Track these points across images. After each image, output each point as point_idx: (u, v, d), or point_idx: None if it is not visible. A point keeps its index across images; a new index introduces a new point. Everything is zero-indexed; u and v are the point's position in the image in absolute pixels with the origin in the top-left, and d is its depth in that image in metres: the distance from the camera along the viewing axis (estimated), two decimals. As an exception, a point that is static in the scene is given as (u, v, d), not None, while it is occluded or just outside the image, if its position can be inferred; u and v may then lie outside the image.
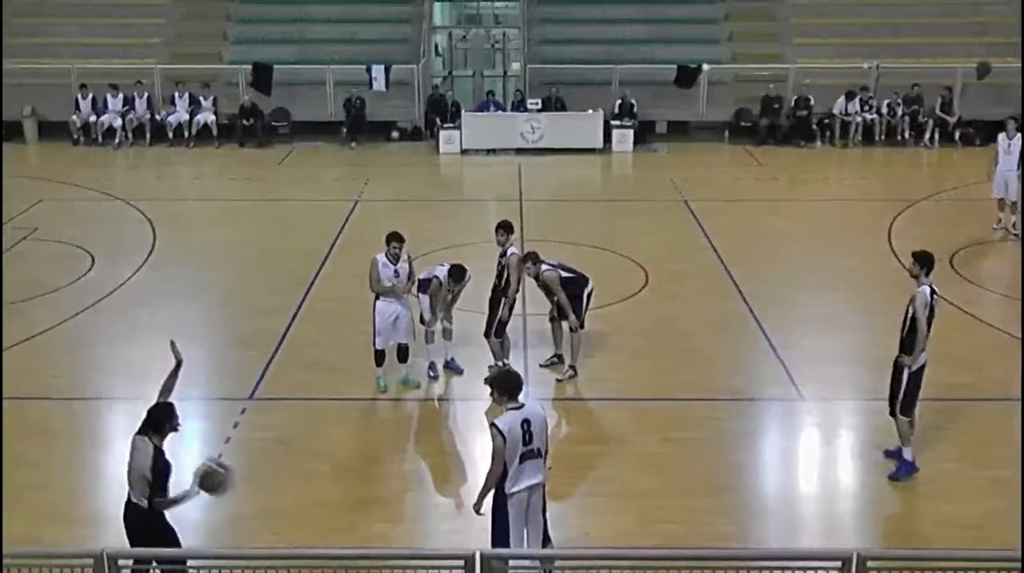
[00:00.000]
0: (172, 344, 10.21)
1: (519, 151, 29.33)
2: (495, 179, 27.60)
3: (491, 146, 29.73)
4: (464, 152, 29.63)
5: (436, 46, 34.04)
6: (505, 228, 14.68)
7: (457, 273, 14.56)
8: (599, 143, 29.62)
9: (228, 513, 11.21)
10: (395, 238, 14.30)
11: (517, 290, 14.68)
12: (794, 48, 32.95)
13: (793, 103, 30.90)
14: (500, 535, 9.57)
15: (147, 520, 9.02)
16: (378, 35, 33.26)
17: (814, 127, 30.71)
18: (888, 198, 24.72)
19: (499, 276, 14.78)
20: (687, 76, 31.27)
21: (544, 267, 14.46)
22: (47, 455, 12.38)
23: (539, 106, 30.16)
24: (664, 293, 18.38)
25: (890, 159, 29.58)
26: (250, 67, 31.58)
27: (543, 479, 9.72)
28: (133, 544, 8.93)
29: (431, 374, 14.78)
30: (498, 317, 14.69)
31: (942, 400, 13.67)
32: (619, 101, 30.46)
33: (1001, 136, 22.02)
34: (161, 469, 9.00)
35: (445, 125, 30.06)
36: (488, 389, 9.82)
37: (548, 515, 9.98)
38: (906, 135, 30.67)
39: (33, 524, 10.98)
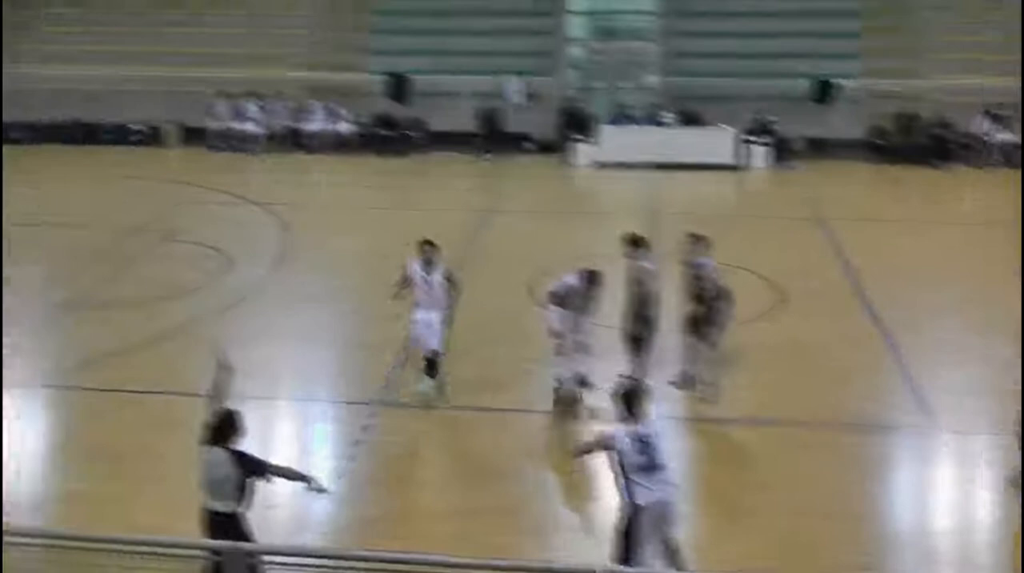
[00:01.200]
0: (219, 352, 10.19)
1: (653, 165, 29.20)
2: (629, 192, 27.55)
3: (625, 159, 29.61)
4: (598, 165, 29.61)
5: (572, 59, 34.07)
6: (632, 242, 14.77)
7: (593, 276, 14.45)
8: (734, 159, 29.36)
9: (354, 515, 11.34)
10: (427, 242, 14.43)
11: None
12: (932, 64, 32.25)
13: (930, 121, 30.27)
14: (629, 550, 9.49)
15: (236, 526, 9.15)
16: (515, 48, 33.44)
17: (951, 147, 30.04)
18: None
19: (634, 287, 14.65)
20: (823, 92, 30.88)
21: (703, 261, 14.58)
22: (172, 448, 12.59)
23: (674, 120, 30.01)
24: (796, 312, 18.09)
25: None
26: (388, 78, 31.99)
27: (669, 495, 9.63)
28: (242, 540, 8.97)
29: (558, 385, 14.66)
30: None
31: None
32: (755, 117, 30.19)
33: None
34: (249, 468, 9.16)
35: (579, 138, 30.10)
36: (615, 399, 9.79)
37: (676, 534, 9.90)
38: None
39: (157, 515, 11.19)
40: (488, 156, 30.64)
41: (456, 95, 31.87)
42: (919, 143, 30.26)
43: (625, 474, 9.42)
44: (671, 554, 9.78)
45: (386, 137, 31.27)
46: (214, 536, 8.97)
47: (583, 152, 29.85)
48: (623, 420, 9.68)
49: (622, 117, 31.19)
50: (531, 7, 34.83)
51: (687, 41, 33.42)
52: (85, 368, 15.47)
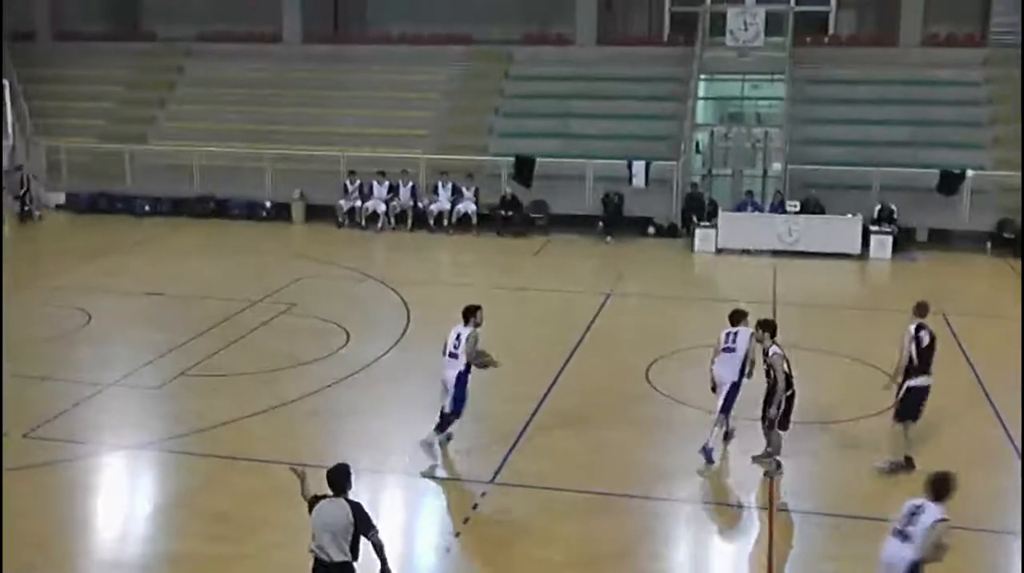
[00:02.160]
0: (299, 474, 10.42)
1: (775, 253, 29.05)
2: (749, 279, 27.35)
3: (747, 246, 29.54)
4: (719, 251, 29.55)
5: (697, 144, 34.20)
6: (764, 327, 14.84)
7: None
8: (856, 248, 29.07)
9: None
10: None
11: (786, 388, 14.54)
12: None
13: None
14: None
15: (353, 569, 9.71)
16: (640, 131, 33.69)
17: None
18: None
19: (767, 374, 14.75)
20: (950, 182, 30.48)
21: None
22: (281, 515, 12.74)
23: (797, 208, 29.87)
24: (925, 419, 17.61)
25: None
26: (512, 159, 32.42)
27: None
28: None
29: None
30: (768, 414, 14.70)
31: None
32: (878, 206, 29.91)
33: None
34: (363, 521, 9.67)
35: (701, 223, 30.08)
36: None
37: None
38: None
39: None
40: (609, 239, 30.78)
41: (579, 178, 32.14)
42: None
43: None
44: None
45: (509, 218, 31.60)
46: None
47: (705, 237, 29.79)
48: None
49: (745, 203, 31.11)
50: (659, 92, 35.15)
51: (812, 128, 33.40)
52: (200, 435, 15.82)
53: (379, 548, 9.71)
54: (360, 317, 22.23)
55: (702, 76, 34.87)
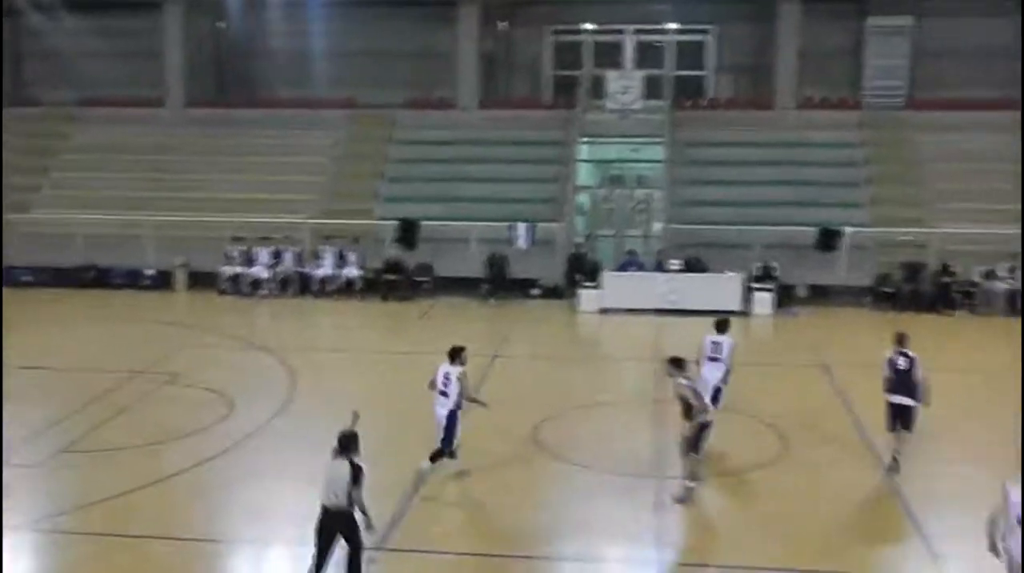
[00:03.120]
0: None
1: (659, 311, 29.29)
2: (634, 338, 27.59)
3: (631, 306, 29.73)
4: (603, 311, 29.73)
5: (580, 205, 34.51)
6: (671, 363, 15.94)
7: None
8: (738, 306, 29.46)
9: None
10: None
11: (700, 406, 15.60)
12: (937, 213, 32.66)
13: (935, 269, 30.48)
14: None
15: (352, 517, 12.17)
16: (523, 194, 33.90)
17: (956, 295, 30.19)
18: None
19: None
20: (828, 240, 31.16)
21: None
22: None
23: (680, 267, 30.23)
24: (801, 461, 17.95)
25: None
26: (397, 223, 32.36)
27: None
28: (351, 535, 12.23)
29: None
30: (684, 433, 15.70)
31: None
32: (759, 264, 30.41)
33: None
34: (359, 476, 12.17)
35: (585, 283, 30.28)
36: None
37: None
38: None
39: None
40: (493, 301, 30.83)
41: (464, 240, 32.19)
42: (924, 291, 30.39)
43: None
44: None
45: (393, 282, 31.51)
46: (342, 526, 12.17)
47: (589, 298, 30.00)
48: None
49: (628, 264, 31.43)
50: (541, 154, 35.44)
51: (693, 189, 33.91)
52: (78, 513, 15.29)
53: (360, 503, 12.15)
54: (244, 386, 21.82)
55: (583, 139, 35.30)
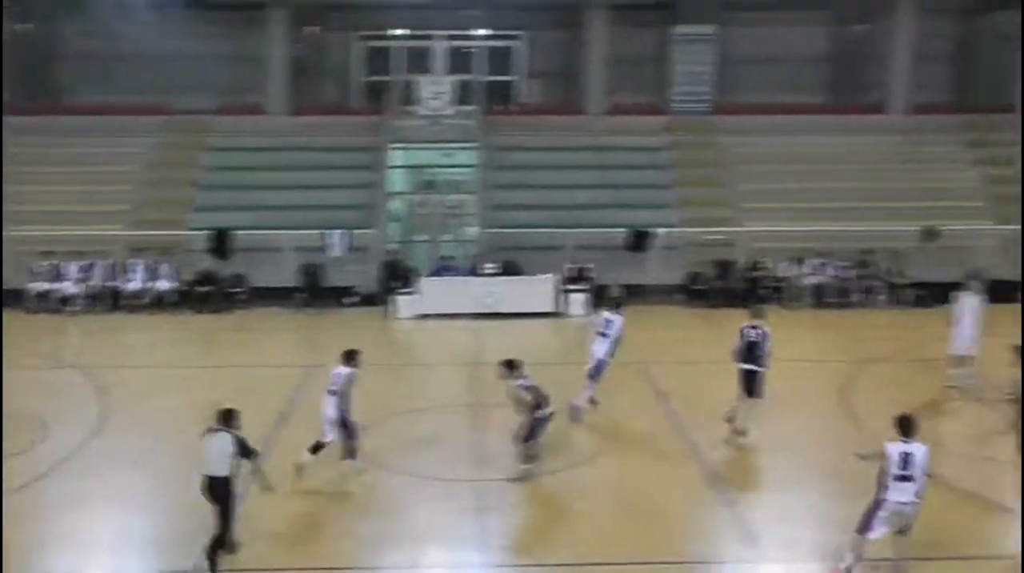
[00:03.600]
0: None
1: (475, 315, 29.40)
2: (451, 343, 27.64)
3: (447, 310, 29.75)
4: (420, 317, 29.71)
5: (393, 212, 34.39)
6: (505, 365, 16.97)
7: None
8: (552, 307, 29.81)
9: None
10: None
11: (532, 405, 16.68)
12: (744, 212, 33.63)
13: (745, 266, 31.36)
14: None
15: (229, 484, 13.49)
16: (338, 200, 33.55)
17: (765, 290, 31.08)
18: (841, 360, 24.90)
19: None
20: (640, 240, 31.72)
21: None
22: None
23: (495, 270, 30.43)
24: (621, 457, 18.31)
25: (842, 321, 29.91)
26: (210, 233, 31.77)
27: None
28: (222, 504, 13.49)
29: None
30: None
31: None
32: (574, 265, 30.79)
33: (960, 294, 22.73)
34: (244, 446, 13.68)
35: (401, 290, 30.21)
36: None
37: None
38: (857, 297, 31.17)
39: None
40: (309, 311, 30.53)
41: (278, 250, 31.80)
42: (734, 287, 31.21)
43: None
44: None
45: (207, 294, 30.92)
46: (218, 493, 13.48)
47: (405, 304, 29.95)
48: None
49: (443, 269, 31.48)
50: (354, 161, 35.20)
51: (507, 193, 34.08)
52: None
53: (256, 470, 14.03)
54: (54, 408, 21.08)
55: (395, 145, 35.19)
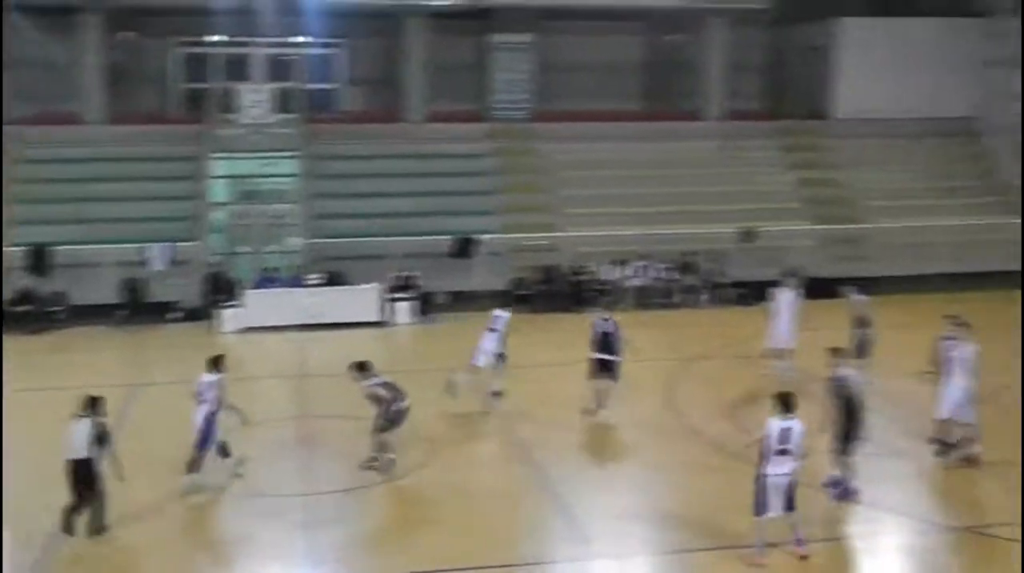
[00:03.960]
0: None
1: (301, 327, 29.05)
2: (276, 356, 27.27)
3: (272, 323, 29.32)
4: (246, 330, 29.25)
5: (215, 223, 33.77)
6: (354, 368, 17.87)
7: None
8: (378, 316, 29.74)
9: None
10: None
11: (389, 400, 17.53)
12: (566, 217, 34.13)
13: (568, 270, 31.77)
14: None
15: (91, 466, 14.85)
16: (159, 212, 32.77)
17: (590, 293, 31.54)
18: (667, 358, 25.44)
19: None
20: (464, 247, 31.91)
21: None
22: None
23: (320, 281, 30.20)
24: (452, 462, 18.39)
25: (665, 321, 30.58)
26: (27, 249, 30.74)
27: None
28: (87, 486, 14.86)
29: None
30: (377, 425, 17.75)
31: (732, 548, 14.21)
32: (398, 274, 30.74)
33: (778, 291, 23.77)
34: (102, 433, 15.05)
35: (225, 303, 29.73)
36: None
37: None
38: (679, 298, 31.88)
39: None
40: (131, 328, 29.74)
41: (98, 265, 30.96)
42: (558, 291, 31.60)
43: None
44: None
45: (25, 313, 29.88)
46: (82, 475, 14.83)
47: (230, 317, 29.48)
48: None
49: (267, 280, 31.06)
50: (175, 171, 34.49)
51: (330, 202, 33.91)
52: None
53: (111, 455, 15.16)
54: None
55: (216, 154, 34.59)
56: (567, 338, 27.62)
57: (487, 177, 35.90)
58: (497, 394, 21.94)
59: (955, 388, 18.13)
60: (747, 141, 38.24)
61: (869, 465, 17.29)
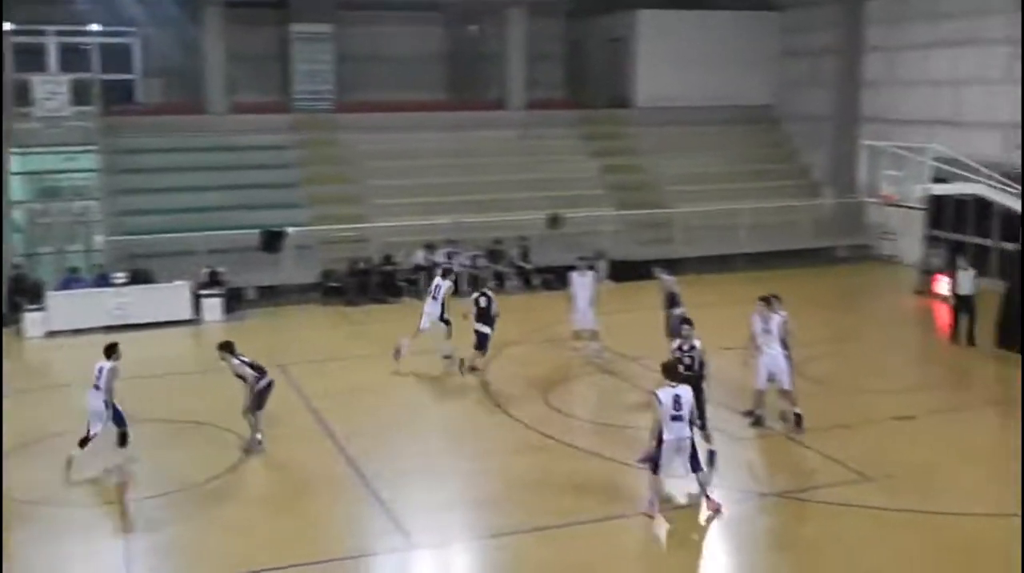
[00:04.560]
0: None
1: (108, 329, 28.01)
2: (84, 360, 26.07)
3: (78, 326, 28.26)
4: (50, 334, 28.22)
5: (14, 222, 32.51)
6: (221, 348, 18.57)
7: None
8: (187, 314, 29.20)
9: None
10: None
11: (255, 377, 18.42)
12: (375, 208, 34.16)
13: (379, 261, 31.77)
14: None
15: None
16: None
17: (401, 283, 31.64)
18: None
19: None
20: (272, 240, 31.53)
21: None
22: None
23: (125, 280, 29.43)
24: (267, 461, 18.24)
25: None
26: None
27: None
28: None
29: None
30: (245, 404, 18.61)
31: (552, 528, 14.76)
32: (206, 270, 30.20)
33: (575, 275, 24.37)
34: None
35: (29, 307, 28.65)
36: None
37: None
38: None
39: None
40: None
41: None
42: (369, 282, 31.57)
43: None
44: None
45: None
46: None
47: (34, 321, 28.33)
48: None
49: (71, 281, 30.08)
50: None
51: (133, 198, 33.22)
52: None
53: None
54: None
55: (13, 150, 33.34)
56: (380, 329, 27.76)
57: (293, 169, 35.70)
58: (448, 357, 23.59)
59: (772, 357, 19.08)
60: (550, 129, 39.04)
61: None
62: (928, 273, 32.25)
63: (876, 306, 31.07)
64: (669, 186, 37.94)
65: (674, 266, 26.89)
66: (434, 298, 24.00)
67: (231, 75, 37.17)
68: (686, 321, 18.47)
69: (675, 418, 15.07)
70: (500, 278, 32.69)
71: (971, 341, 25.40)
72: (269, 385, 18.82)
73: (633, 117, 40.60)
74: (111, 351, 18.15)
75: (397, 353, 23.51)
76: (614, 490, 16.48)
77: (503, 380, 22.70)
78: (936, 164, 24.19)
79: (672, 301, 23.69)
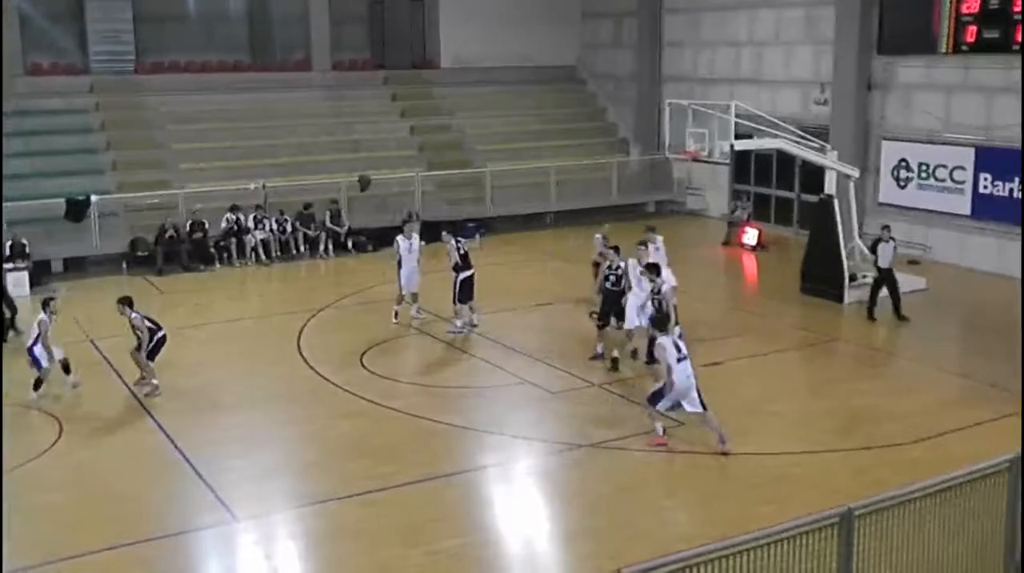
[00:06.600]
0: None
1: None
2: None
3: None
4: None
5: None
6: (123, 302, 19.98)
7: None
8: (-8, 288, 28.10)
9: None
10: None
11: (150, 330, 19.91)
12: (181, 174, 33.54)
13: (188, 228, 31.17)
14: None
15: None
16: None
17: (212, 250, 31.17)
18: (294, 310, 25.59)
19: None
20: (76, 210, 30.63)
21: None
22: None
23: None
24: (80, 442, 17.73)
25: (289, 273, 30.71)
26: None
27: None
28: None
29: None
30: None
31: (373, 492, 14.85)
32: (9, 242, 29.08)
33: (400, 237, 24.35)
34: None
35: None
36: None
37: None
38: (301, 249, 32.03)
39: None
40: None
41: None
42: (179, 250, 30.89)
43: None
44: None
45: None
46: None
47: None
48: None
49: None
50: None
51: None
52: None
53: None
54: None
55: None
56: (192, 299, 27.39)
57: (94, 134, 34.72)
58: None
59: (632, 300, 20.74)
60: (357, 91, 38.95)
61: (501, 394, 18.58)
62: (734, 225, 33.45)
63: (685, 257, 32.02)
64: (479, 146, 38.26)
65: (487, 225, 27.13)
66: (409, 252, 24.21)
67: (24, 37, 35.79)
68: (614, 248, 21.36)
69: (680, 360, 16.30)
70: (312, 242, 32.41)
71: (899, 316, 24.26)
72: (163, 338, 20.10)
73: (440, 77, 40.83)
74: (46, 305, 19.95)
75: (395, 315, 24.30)
76: (433, 451, 16.72)
77: (319, 345, 22.69)
78: (739, 121, 24.94)
79: (465, 263, 23.46)
